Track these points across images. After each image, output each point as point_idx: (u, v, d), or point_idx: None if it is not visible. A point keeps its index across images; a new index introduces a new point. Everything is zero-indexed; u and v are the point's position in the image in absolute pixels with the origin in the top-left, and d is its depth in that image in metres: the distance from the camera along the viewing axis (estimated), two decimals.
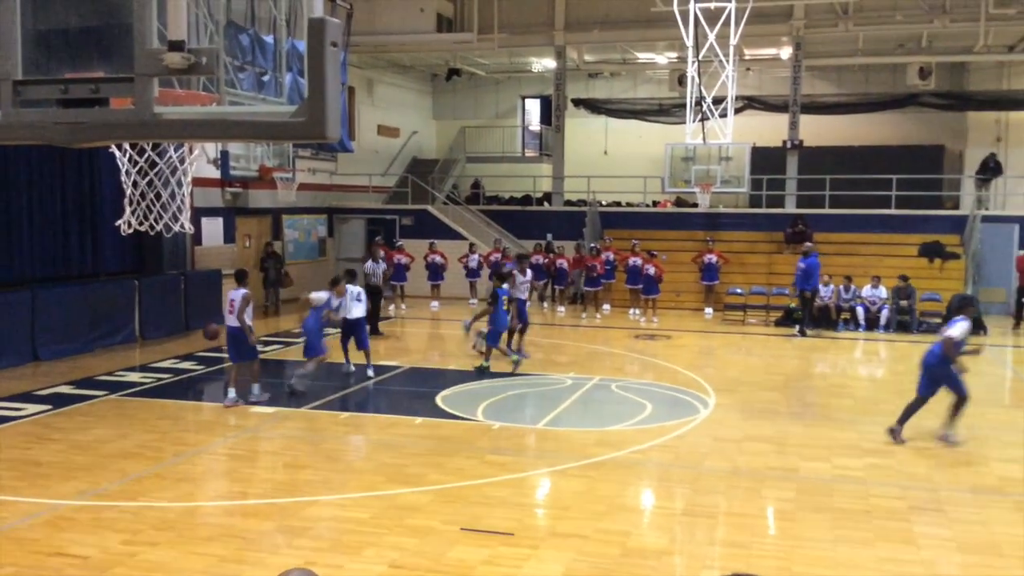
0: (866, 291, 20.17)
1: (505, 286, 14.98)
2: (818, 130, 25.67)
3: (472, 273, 22.98)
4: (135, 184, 7.39)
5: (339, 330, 14.45)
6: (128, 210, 7.42)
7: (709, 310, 21.67)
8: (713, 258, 21.68)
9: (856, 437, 10.97)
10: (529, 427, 11.55)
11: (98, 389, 13.15)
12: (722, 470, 9.68)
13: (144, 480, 9.08)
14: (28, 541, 7.44)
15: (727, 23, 19.63)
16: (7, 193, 15.83)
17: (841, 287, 20.18)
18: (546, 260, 22.85)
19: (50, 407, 12.03)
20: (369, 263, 18.94)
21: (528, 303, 16.46)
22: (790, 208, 24.46)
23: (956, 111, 26.64)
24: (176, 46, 2.32)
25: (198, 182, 18.98)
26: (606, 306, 21.96)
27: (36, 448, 10.14)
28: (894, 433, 10.73)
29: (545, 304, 23.00)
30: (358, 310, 14.22)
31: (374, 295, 18.17)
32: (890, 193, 23.47)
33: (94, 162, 17.16)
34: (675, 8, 19.69)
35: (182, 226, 7.25)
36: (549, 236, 23.88)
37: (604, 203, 26.61)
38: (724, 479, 9.39)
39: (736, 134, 21.97)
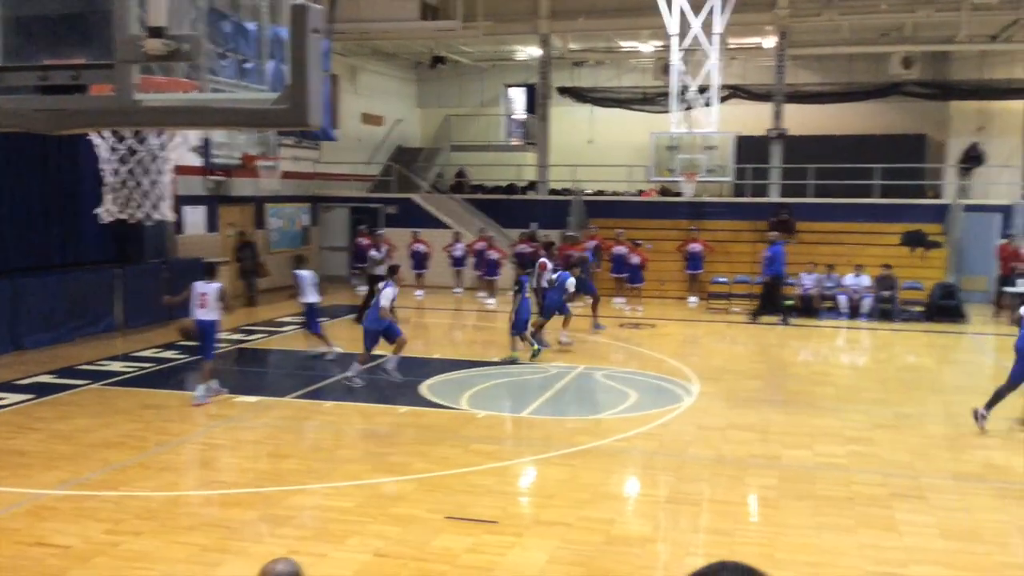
0: (849, 279, 20.30)
1: (527, 274, 15.14)
2: (802, 119, 25.73)
3: (457, 262, 22.97)
4: (115, 172, 7.33)
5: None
6: (108, 198, 7.36)
7: (694, 299, 21.76)
8: (697, 247, 21.75)
9: (839, 425, 11.04)
10: (514, 416, 11.57)
11: (80, 378, 13.07)
12: (706, 458, 9.73)
13: (127, 469, 9.04)
14: (10, 531, 7.40)
15: (712, 12, 19.62)
16: None
17: (824, 275, 20.29)
18: (531, 249, 22.83)
19: (32, 396, 11.95)
20: (373, 251, 18.95)
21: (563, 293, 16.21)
22: (774, 197, 24.54)
23: (939, 100, 26.76)
24: (156, 32, 2.30)
25: (180, 170, 18.86)
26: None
27: (18, 438, 10.07)
28: (979, 417, 10.76)
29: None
30: (313, 296, 14.53)
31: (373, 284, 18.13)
32: (873, 182, 23.59)
33: (75, 149, 16.99)
34: None
35: (163, 214, 7.20)
36: (534, 225, 23.86)
37: (589, 192, 26.61)
38: (708, 467, 9.44)
39: (720, 123, 22.02)
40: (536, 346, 14.74)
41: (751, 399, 12.45)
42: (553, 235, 23.23)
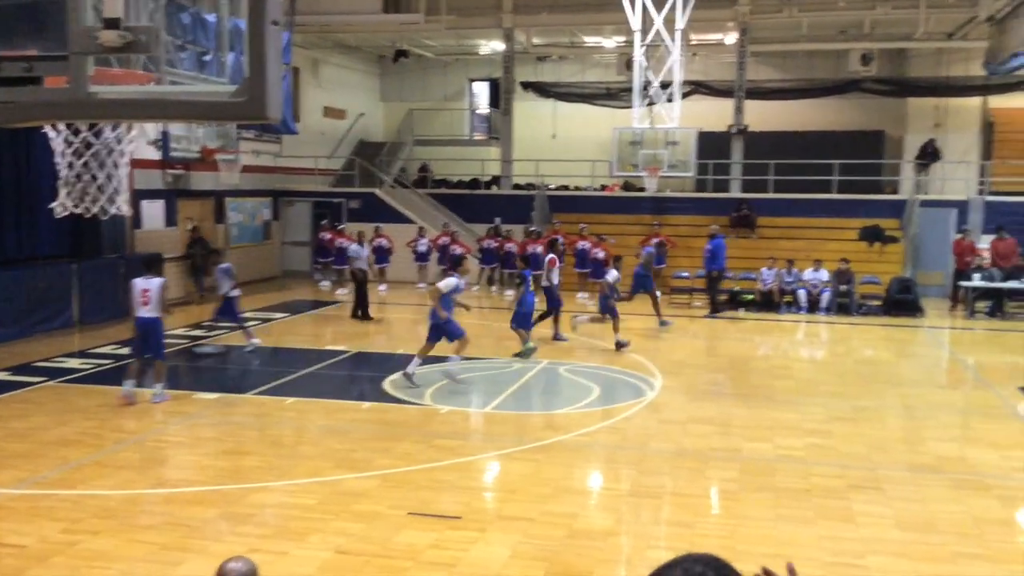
0: (808, 274, 20.54)
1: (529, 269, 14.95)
2: (763, 115, 25.98)
3: (421, 257, 22.91)
4: (70, 165, 7.20)
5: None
6: (63, 192, 7.23)
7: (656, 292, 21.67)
8: (600, 253, 21.17)
9: (798, 418, 11.17)
10: (477, 411, 11.56)
11: (36, 375, 12.85)
12: (667, 451, 9.80)
13: (84, 468, 8.91)
14: None
15: (674, 8, 19.73)
16: None
17: (783, 270, 20.52)
18: (496, 244, 22.85)
19: None
20: (354, 246, 18.83)
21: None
22: (735, 192, 24.76)
23: (897, 97, 27.17)
24: (112, 23, 2.26)
25: (138, 164, 18.59)
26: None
27: None
28: None
29: (494, 288, 23.01)
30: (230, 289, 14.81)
31: (360, 280, 17.96)
32: (832, 178, 23.89)
33: (29, 142, 16.69)
34: None
35: (119, 209, 7.09)
36: (498, 220, 23.85)
37: (552, 187, 26.65)
38: (669, 460, 9.51)
39: (683, 119, 22.15)
40: (529, 344, 14.61)
41: (712, 393, 12.57)
42: (517, 230, 23.28)
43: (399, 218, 24.33)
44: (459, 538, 7.29)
